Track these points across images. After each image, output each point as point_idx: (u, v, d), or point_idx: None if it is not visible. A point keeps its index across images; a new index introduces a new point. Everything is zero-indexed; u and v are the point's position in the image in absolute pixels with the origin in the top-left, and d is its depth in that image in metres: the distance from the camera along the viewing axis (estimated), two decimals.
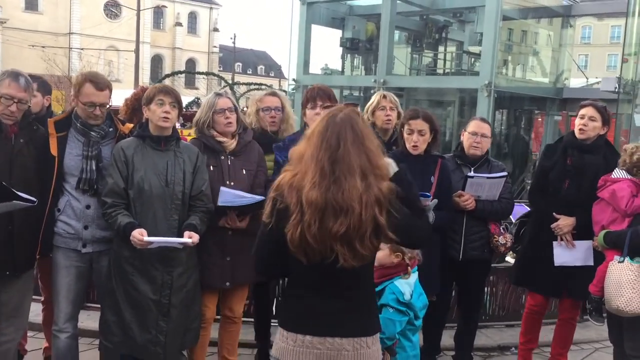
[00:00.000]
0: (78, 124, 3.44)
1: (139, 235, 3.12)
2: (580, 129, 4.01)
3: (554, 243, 4.05)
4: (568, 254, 4.04)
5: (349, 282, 2.33)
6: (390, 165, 2.40)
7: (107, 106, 3.46)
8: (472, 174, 4.01)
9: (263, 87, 25.87)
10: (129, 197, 3.27)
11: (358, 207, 2.18)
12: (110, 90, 3.47)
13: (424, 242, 2.61)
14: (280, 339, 2.39)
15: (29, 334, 4.28)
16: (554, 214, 4.05)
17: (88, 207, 3.40)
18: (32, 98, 4.15)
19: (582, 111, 4.04)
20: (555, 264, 4.04)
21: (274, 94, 4.36)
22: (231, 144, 3.66)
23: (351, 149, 2.24)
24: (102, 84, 3.40)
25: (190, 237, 3.22)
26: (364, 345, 2.34)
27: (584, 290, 4.05)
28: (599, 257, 4.00)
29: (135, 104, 4.28)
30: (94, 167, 3.39)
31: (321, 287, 2.34)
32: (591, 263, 4.00)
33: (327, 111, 2.41)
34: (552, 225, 4.04)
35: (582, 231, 4.00)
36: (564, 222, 4.02)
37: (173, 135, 3.39)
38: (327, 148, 2.24)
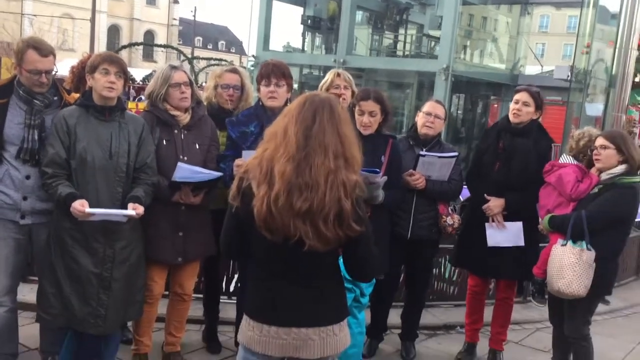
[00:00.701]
0: (21, 92, 3.30)
1: (80, 206, 3.02)
2: (514, 114, 4.12)
3: (486, 224, 4.15)
4: (500, 235, 4.14)
5: (314, 270, 2.30)
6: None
7: (53, 72, 3.34)
8: (423, 152, 4.05)
9: (223, 62, 25.51)
10: (71, 167, 3.16)
11: (323, 186, 2.14)
12: (54, 56, 3.33)
13: (374, 272, 2.70)
14: (247, 327, 2.37)
15: None
16: (485, 195, 4.14)
17: (28, 177, 3.27)
18: None
19: (517, 96, 4.14)
20: (488, 245, 4.14)
21: (234, 70, 4.23)
22: (185, 118, 3.59)
23: (326, 127, 2.20)
24: (46, 50, 3.27)
25: (134, 209, 3.14)
26: (331, 334, 2.33)
27: (516, 270, 4.19)
28: (531, 240, 4.14)
29: (82, 73, 4.13)
30: (36, 137, 3.26)
31: (286, 273, 2.30)
32: (522, 243, 4.12)
33: (308, 93, 2.39)
34: (483, 207, 4.14)
35: (513, 212, 4.11)
36: (494, 203, 4.12)
37: (118, 105, 3.29)
38: (302, 122, 2.20)
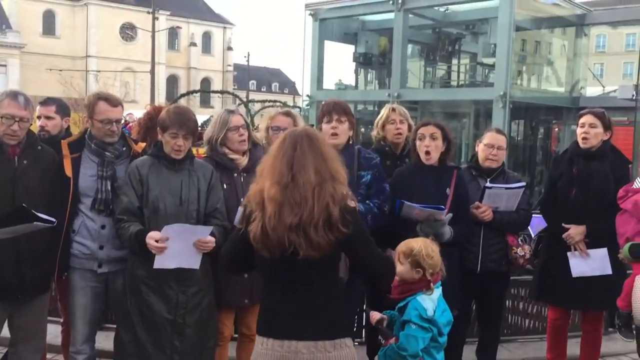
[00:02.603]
0: (92, 145, 3.45)
1: (154, 238, 3.05)
2: (582, 138, 4.00)
3: (569, 254, 4.00)
4: (584, 264, 3.97)
5: (308, 284, 2.46)
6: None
7: (122, 122, 3.48)
8: (489, 184, 3.96)
9: (277, 104, 26.01)
10: (144, 215, 3.26)
11: (311, 199, 2.37)
12: (122, 107, 3.52)
13: (383, 276, 2.77)
14: (256, 342, 2.56)
15: (49, 355, 4.28)
16: (563, 224, 4.00)
17: (103, 227, 3.40)
18: (51, 120, 4.22)
19: (582, 120, 4.03)
20: (573, 275, 3.97)
21: (287, 114, 4.24)
22: (243, 160, 3.65)
23: (307, 151, 2.45)
24: (115, 101, 3.47)
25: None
26: (322, 349, 2.42)
27: (604, 301, 3.97)
28: (618, 266, 3.94)
29: (149, 123, 4.29)
30: (109, 187, 3.40)
31: (283, 287, 2.49)
32: (609, 272, 3.93)
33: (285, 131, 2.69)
34: (564, 235, 3.99)
35: (595, 239, 3.94)
36: (575, 231, 3.97)
37: (187, 154, 3.38)
38: (284, 154, 2.46)
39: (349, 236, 2.41)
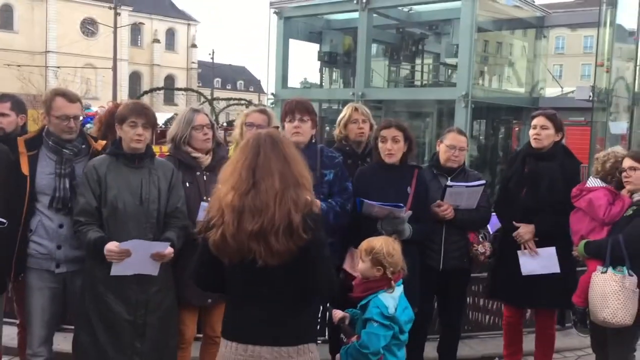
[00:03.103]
0: (50, 142, 3.38)
1: (114, 247, 3.04)
2: (534, 139, 4.09)
3: (519, 252, 4.08)
4: (533, 262, 4.05)
5: (270, 289, 2.43)
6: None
7: (80, 119, 3.42)
8: (450, 183, 4.01)
9: (242, 102, 25.85)
10: (102, 216, 3.20)
11: (273, 206, 2.33)
12: (81, 103, 3.47)
13: (325, 290, 2.59)
14: (221, 345, 2.55)
15: (5, 358, 4.18)
16: (514, 222, 4.08)
17: (61, 226, 3.33)
18: (5, 117, 4.10)
19: (534, 121, 4.12)
20: (523, 273, 4.05)
21: (262, 111, 4.23)
22: (206, 159, 3.63)
23: (271, 154, 2.41)
24: (73, 97, 3.41)
25: (165, 249, 3.15)
26: (285, 355, 2.42)
27: (552, 299, 4.07)
28: (565, 265, 4.03)
29: (110, 120, 4.22)
30: (67, 185, 3.33)
31: (246, 292, 2.47)
32: (557, 270, 4.02)
33: (250, 134, 2.64)
34: (514, 234, 4.08)
35: (545, 238, 4.02)
36: (524, 230, 4.05)
37: (147, 152, 3.34)
38: (247, 157, 2.42)
39: (307, 242, 2.36)
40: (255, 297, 2.46)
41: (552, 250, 4.03)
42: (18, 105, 4.27)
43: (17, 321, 4.01)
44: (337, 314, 3.21)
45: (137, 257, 3.08)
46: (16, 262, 3.34)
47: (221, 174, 2.50)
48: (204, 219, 2.54)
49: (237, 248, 2.36)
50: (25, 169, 3.32)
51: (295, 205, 2.35)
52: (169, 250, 3.17)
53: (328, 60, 19.00)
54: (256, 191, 2.35)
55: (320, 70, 19.81)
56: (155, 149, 3.86)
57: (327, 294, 2.80)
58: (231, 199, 2.36)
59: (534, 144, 4.10)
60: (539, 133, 4.07)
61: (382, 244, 3.03)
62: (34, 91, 29.36)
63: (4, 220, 2.93)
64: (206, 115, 3.72)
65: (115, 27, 34.26)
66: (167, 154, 3.74)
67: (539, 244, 4.05)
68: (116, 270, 3.08)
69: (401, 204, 3.51)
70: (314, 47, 19.32)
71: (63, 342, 4.19)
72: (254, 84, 72.73)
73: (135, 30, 61.22)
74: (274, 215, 2.32)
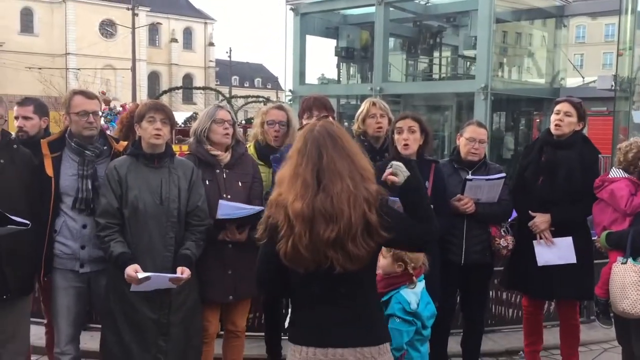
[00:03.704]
0: (72, 143, 3.43)
1: (133, 272, 3.08)
2: (556, 125, 4.02)
3: (534, 242, 4.02)
4: (549, 252, 3.99)
5: (348, 291, 2.34)
6: (399, 169, 2.40)
7: (100, 115, 3.47)
8: (470, 177, 3.98)
9: (260, 99, 25.93)
10: (124, 216, 3.24)
11: (347, 210, 2.20)
12: (99, 101, 3.52)
13: (424, 243, 2.54)
14: (291, 353, 2.42)
15: (33, 357, 4.23)
16: (529, 212, 4.03)
17: (84, 226, 3.38)
18: (29, 120, 4.17)
19: (558, 107, 4.04)
20: (538, 264, 4.00)
21: (280, 107, 4.29)
22: (225, 157, 3.65)
23: (334, 155, 2.28)
24: (90, 94, 3.49)
25: (182, 273, 3.18)
26: (368, 356, 2.33)
27: (570, 290, 4.01)
28: (583, 256, 3.97)
29: (131, 121, 4.27)
30: (89, 186, 3.38)
31: (322, 297, 2.35)
32: (573, 260, 3.96)
33: (302, 130, 2.44)
34: (529, 224, 4.02)
35: (561, 228, 3.97)
36: (540, 219, 4.00)
37: (167, 151, 3.37)
38: (309, 161, 2.28)
39: (387, 239, 2.27)
40: (332, 299, 2.34)
41: (568, 240, 3.98)
42: (41, 108, 4.34)
43: (45, 321, 4.09)
44: None
45: (155, 280, 3.12)
46: (44, 263, 3.40)
47: (278, 178, 2.37)
48: (261, 222, 2.39)
49: (312, 258, 2.24)
50: (49, 170, 3.37)
51: (369, 204, 2.23)
52: (186, 274, 3.19)
53: (345, 55, 18.94)
54: (326, 195, 2.22)
55: (338, 66, 19.76)
56: (175, 148, 3.90)
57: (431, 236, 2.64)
58: (300, 207, 2.22)
59: (554, 130, 4.03)
60: (561, 119, 3.99)
61: None
62: (56, 93, 29.82)
63: (28, 222, 2.97)
64: (229, 112, 3.75)
65: (134, 28, 34.60)
66: (187, 152, 3.78)
67: (555, 234, 4.00)
68: (135, 287, 3.13)
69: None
70: (331, 43, 19.28)
71: (90, 340, 4.26)
72: (271, 81, 72.85)
73: (153, 30, 61.67)
74: (350, 220, 2.20)
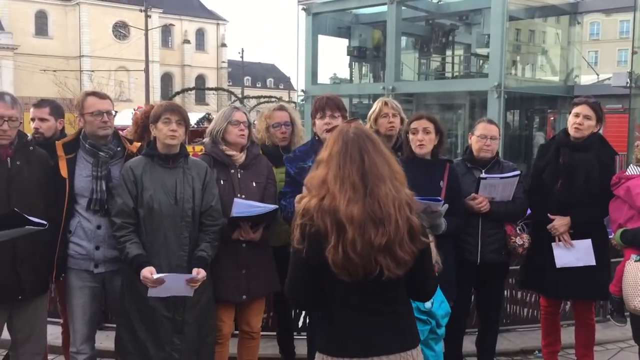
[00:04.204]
0: (87, 145, 3.46)
1: (149, 274, 3.10)
2: (575, 128, 3.95)
3: (553, 244, 4.00)
4: (568, 255, 3.97)
5: (389, 296, 2.29)
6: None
7: (113, 114, 3.50)
8: (484, 175, 3.96)
9: (273, 99, 25.98)
10: (139, 216, 3.27)
11: (394, 214, 2.16)
12: (112, 102, 3.55)
13: (434, 286, 2.54)
14: None
15: (50, 357, 4.29)
16: (548, 214, 4.00)
17: (99, 227, 3.41)
18: (45, 122, 4.21)
19: (577, 109, 3.96)
20: (557, 266, 3.98)
21: (281, 108, 4.33)
22: (240, 157, 3.67)
23: (375, 157, 2.23)
24: (103, 94, 3.54)
25: (197, 273, 3.20)
26: (410, 358, 2.31)
27: (588, 290, 3.99)
28: (601, 257, 3.95)
29: (145, 122, 4.30)
30: (104, 187, 3.40)
31: (364, 305, 2.27)
32: (593, 263, 3.93)
33: (334, 132, 2.36)
34: (548, 226, 3.99)
35: (580, 230, 3.94)
36: (559, 222, 3.97)
37: (181, 152, 3.40)
38: (353, 163, 2.21)
39: (426, 244, 2.26)
40: (375, 306, 2.28)
41: (587, 242, 3.95)
42: (56, 110, 4.38)
43: (61, 320, 4.13)
44: None
45: (171, 283, 3.13)
46: (57, 263, 3.43)
47: (312, 182, 2.28)
48: (295, 230, 2.26)
49: (362, 264, 2.16)
50: (64, 171, 3.40)
51: (410, 207, 2.21)
52: (201, 275, 3.21)
53: (357, 55, 18.90)
54: (373, 199, 2.16)
55: (350, 65, 19.73)
56: (189, 148, 3.92)
57: (431, 295, 2.60)
58: (354, 211, 2.14)
59: (573, 133, 3.98)
60: (581, 123, 3.93)
61: None
62: (70, 95, 30.03)
63: (45, 222, 3.01)
64: (245, 114, 3.79)
65: (147, 30, 34.80)
66: (201, 153, 3.80)
67: (573, 236, 3.97)
68: (152, 292, 3.14)
69: (439, 198, 3.48)
70: (343, 42, 19.24)
71: (105, 340, 4.30)
72: (283, 82, 72.99)
73: (166, 31, 61.94)
74: (397, 223, 2.16)
